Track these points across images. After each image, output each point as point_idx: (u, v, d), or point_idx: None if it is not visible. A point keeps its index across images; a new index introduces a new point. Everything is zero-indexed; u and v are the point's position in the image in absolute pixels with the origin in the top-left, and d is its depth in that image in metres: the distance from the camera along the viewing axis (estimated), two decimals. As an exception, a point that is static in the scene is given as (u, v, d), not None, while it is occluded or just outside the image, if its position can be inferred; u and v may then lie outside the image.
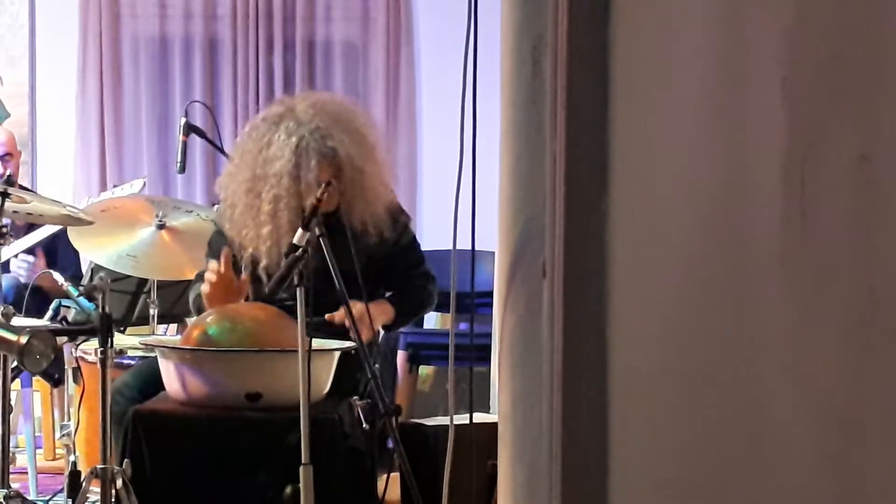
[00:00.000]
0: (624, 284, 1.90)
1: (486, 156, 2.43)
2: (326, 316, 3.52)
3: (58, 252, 5.19)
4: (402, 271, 3.93)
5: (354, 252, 3.34)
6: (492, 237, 2.35)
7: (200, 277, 3.84)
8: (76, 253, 5.10)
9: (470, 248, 2.50)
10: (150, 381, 3.64)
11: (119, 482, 3.15)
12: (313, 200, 3.21)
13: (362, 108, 4.93)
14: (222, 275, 3.63)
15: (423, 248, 4.07)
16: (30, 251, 5.12)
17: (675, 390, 1.80)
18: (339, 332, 3.53)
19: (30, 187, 5.95)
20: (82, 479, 3.20)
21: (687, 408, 1.78)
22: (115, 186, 5.51)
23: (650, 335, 1.86)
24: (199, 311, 3.78)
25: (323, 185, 3.29)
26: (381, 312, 3.83)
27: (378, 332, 4.04)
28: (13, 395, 4.06)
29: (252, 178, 3.74)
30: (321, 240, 3.15)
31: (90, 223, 3.98)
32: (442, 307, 5.94)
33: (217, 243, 3.89)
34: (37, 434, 5.18)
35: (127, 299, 5.03)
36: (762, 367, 1.65)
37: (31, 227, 5.07)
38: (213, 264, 3.68)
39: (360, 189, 3.74)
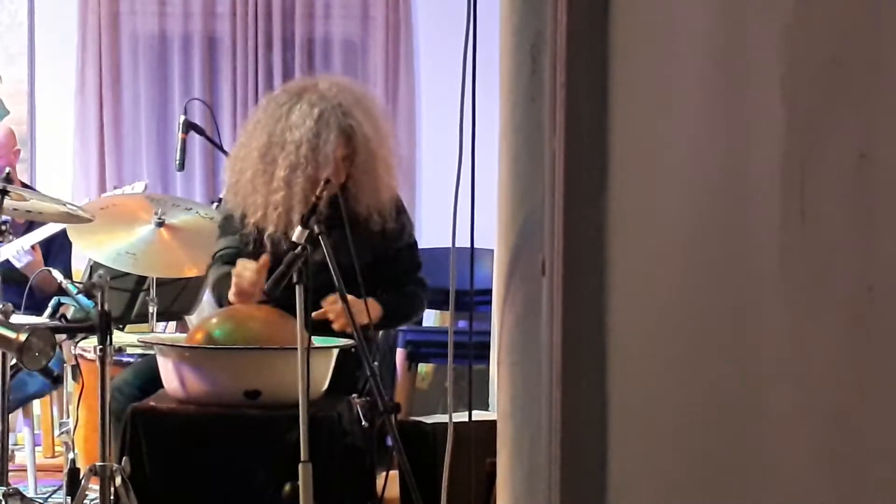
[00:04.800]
0: (623, 282, 1.90)
1: (485, 153, 2.43)
2: (315, 314, 3.37)
3: (50, 254, 5.20)
4: (398, 274, 3.91)
5: (354, 248, 3.32)
6: (491, 235, 2.34)
7: (217, 260, 3.81)
8: (69, 257, 5.11)
9: (469, 245, 2.49)
10: (149, 379, 3.64)
11: (118, 479, 3.15)
12: (313, 198, 3.21)
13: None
14: (255, 281, 3.53)
15: (423, 246, 4.06)
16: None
17: (675, 389, 1.80)
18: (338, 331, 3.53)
19: (29, 184, 5.95)
20: (81, 476, 3.20)
21: (686, 406, 1.78)
22: (115, 188, 5.52)
23: (650, 333, 1.86)
24: (221, 298, 3.73)
25: (322, 182, 3.29)
26: (371, 310, 3.75)
27: (377, 330, 4.04)
28: (12, 393, 4.06)
29: (268, 143, 3.71)
30: (321, 238, 3.14)
31: (89, 220, 3.98)
32: (441, 305, 5.98)
33: (226, 225, 3.86)
34: (36, 431, 5.17)
35: (126, 297, 5.04)
36: (761, 366, 1.65)
37: (30, 226, 5.07)
38: (250, 266, 3.55)
39: (370, 173, 3.74)
